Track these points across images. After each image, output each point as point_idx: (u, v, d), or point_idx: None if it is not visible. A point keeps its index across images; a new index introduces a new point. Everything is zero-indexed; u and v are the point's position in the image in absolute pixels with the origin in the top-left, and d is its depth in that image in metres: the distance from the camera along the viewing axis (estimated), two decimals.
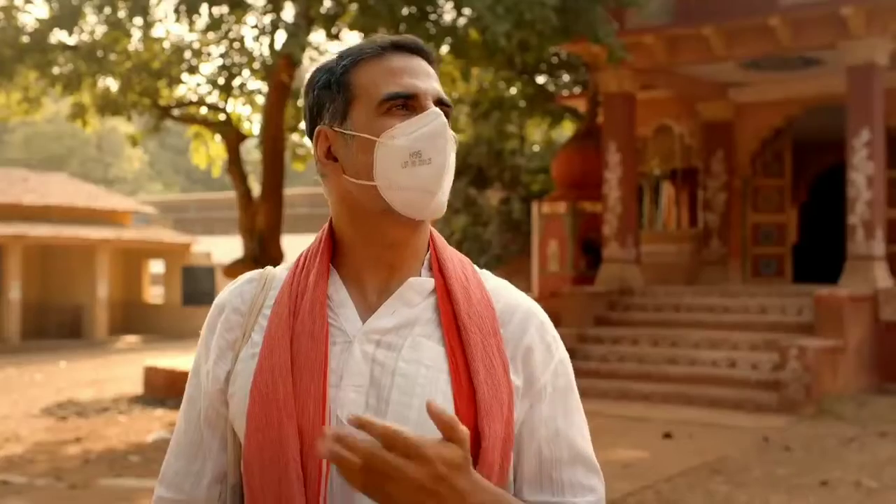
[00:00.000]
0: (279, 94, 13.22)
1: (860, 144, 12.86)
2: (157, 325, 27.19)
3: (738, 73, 15.04)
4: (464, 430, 1.23)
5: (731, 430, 10.04)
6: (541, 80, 20.06)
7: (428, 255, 1.47)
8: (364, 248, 1.43)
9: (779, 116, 15.75)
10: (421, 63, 1.44)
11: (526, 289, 19.97)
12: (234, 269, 14.00)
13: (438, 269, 1.46)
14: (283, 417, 1.34)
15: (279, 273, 1.50)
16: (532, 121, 21.57)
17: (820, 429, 10.04)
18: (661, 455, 8.75)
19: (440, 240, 1.49)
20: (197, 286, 27.34)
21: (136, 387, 14.11)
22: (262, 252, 13.62)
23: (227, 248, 26.79)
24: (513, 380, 1.41)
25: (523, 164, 23.19)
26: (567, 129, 22.64)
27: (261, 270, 1.52)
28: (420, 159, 1.37)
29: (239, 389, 1.41)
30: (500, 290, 1.50)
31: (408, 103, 1.39)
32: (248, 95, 15.11)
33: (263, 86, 14.40)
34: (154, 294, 29.51)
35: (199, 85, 14.92)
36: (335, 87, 1.42)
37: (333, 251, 1.47)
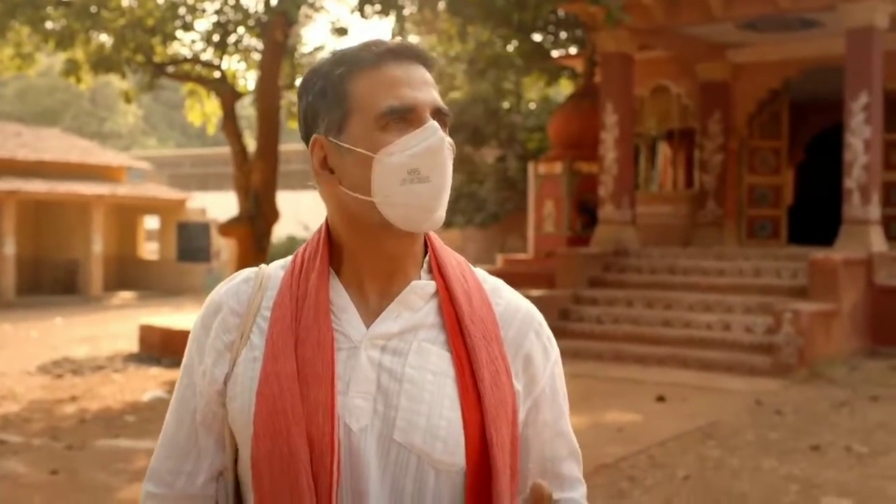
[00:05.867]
0: (274, 52, 13.12)
1: (858, 108, 12.81)
2: (152, 281, 27.20)
3: (737, 33, 14.95)
4: None
5: (725, 393, 10.10)
6: (538, 37, 19.92)
7: (427, 258, 1.47)
8: (363, 255, 1.42)
9: (776, 78, 15.68)
10: (419, 70, 1.41)
11: (521, 248, 20.00)
12: (229, 228, 14.00)
13: (438, 272, 1.45)
14: (291, 425, 1.33)
15: (274, 272, 1.48)
16: (529, 79, 21.46)
17: (812, 393, 10.11)
18: (655, 418, 8.80)
19: (437, 240, 1.49)
20: (192, 242, 27.34)
21: (131, 344, 14.13)
22: (258, 210, 13.60)
23: (222, 203, 26.71)
24: (514, 384, 1.43)
25: (520, 122, 23.11)
26: (564, 88, 22.53)
27: (256, 269, 1.50)
28: (418, 177, 1.35)
29: (240, 393, 1.40)
30: (498, 290, 1.51)
31: (405, 116, 1.37)
32: (244, 53, 15.00)
33: (258, 43, 14.29)
34: (149, 250, 29.49)
35: (193, 42, 14.81)
36: (331, 96, 1.40)
37: (331, 253, 1.45)
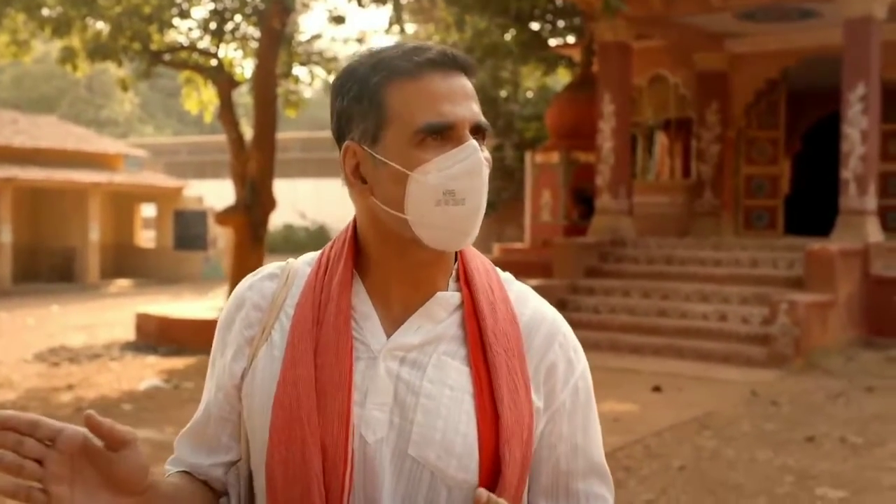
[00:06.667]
0: (271, 40, 13.11)
1: (855, 98, 12.80)
2: (149, 268, 27.19)
3: (735, 23, 14.93)
4: None
5: (720, 383, 10.12)
6: (535, 26, 19.88)
7: (456, 266, 1.44)
8: (392, 263, 1.40)
9: (774, 68, 15.68)
10: (460, 81, 1.36)
11: (518, 237, 19.97)
12: (226, 217, 14.01)
13: (465, 282, 1.43)
14: (306, 434, 1.33)
15: (301, 268, 1.47)
16: (526, 68, 21.42)
17: (808, 383, 10.13)
18: (651, 409, 8.82)
19: (469, 248, 1.45)
20: (188, 230, 27.33)
21: (127, 332, 14.14)
22: (255, 198, 13.60)
23: (218, 191, 26.70)
24: (534, 400, 1.40)
25: (517, 112, 23.09)
26: (562, 77, 22.50)
27: (282, 264, 1.49)
28: (454, 199, 1.32)
29: (257, 390, 1.40)
30: (523, 299, 1.48)
31: (444, 133, 1.33)
32: (241, 41, 14.97)
33: (256, 31, 14.26)
34: (146, 238, 29.47)
35: (190, 30, 14.78)
36: (367, 103, 1.35)
37: (356, 256, 1.43)
